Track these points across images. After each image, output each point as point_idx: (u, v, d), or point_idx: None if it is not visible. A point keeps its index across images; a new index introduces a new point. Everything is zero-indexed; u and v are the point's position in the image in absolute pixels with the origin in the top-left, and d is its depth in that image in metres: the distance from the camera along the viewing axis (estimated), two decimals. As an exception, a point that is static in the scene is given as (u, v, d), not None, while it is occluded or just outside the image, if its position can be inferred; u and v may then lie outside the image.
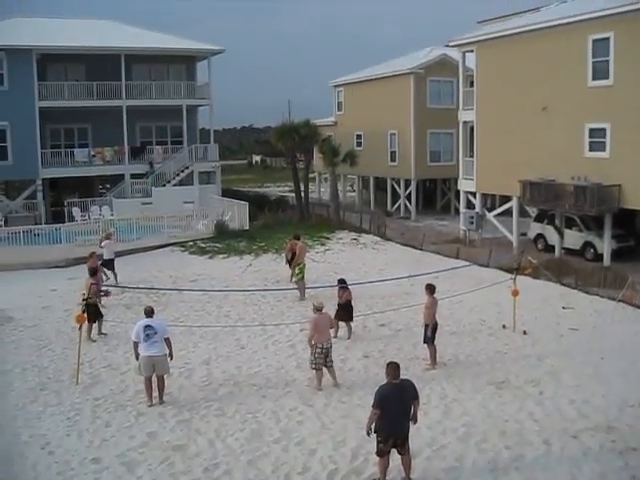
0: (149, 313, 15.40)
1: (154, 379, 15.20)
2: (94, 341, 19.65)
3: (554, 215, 32.58)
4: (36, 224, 38.93)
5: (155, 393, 15.21)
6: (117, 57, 44.36)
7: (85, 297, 18.14)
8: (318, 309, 16.26)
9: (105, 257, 26.55)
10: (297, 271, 24.84)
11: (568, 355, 18.15)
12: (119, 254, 28.96)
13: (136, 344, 15.19)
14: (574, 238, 32.01)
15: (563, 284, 26.18)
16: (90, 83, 44.63)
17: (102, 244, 27.12)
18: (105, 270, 25.58)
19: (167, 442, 13.23)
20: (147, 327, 15.01)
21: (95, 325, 20.08)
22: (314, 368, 15.96)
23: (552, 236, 32.90)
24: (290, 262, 25.71)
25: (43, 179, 43.88)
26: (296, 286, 24.83)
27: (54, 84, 43.83)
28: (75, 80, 45.32)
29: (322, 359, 15.89)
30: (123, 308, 23.26)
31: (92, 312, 19.51)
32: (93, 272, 21.11)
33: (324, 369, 16.02)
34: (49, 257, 31.32)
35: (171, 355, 15.33)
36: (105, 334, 20.24)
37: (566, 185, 30.23)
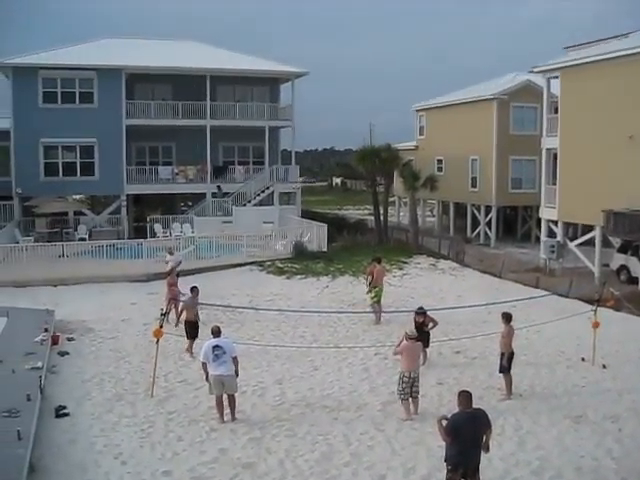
0: (217, 333, 15.53)
1: (225, 397, 15.31)
2: (193, 356, 19.72)
3: (639, 246, 31.72)
4: (119, 238, 39.91)
5: (227, 411, 15.31)
6: (202, 78, 45.31)
7: (163, 312, 18.44)
8: (411, 338, 15.96)
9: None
10: (373, 294, 24.76)
11: (650, 392, 17.58)
12: (198, 271, 29.44)
13: (205, 364, 15.33)
14: (659, 271, 31.08)
15: (646, 318, 25.43)
16: (176, 102, 45.69)
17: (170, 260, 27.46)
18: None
19: (237, 459, 13.28)
20: (216, 347, 15.11)
21: (194, 342, 20.22)
22: (402, 398, 15.67)
23: (636, 268, 31.98)
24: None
25: (127, 195, 45.00)
26: (372, 309, 24.76)
27: (141, 103, 45.02)
28: (161, 99, 46.43)
29: (409, 388, 15.63)
30: (200, 325, 23.52)
31: (190, 329, 20.21)
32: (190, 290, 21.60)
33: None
34: (130, 271, 32.00)
35: (237, 372, 15.35)
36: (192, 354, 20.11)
37: (652, 216, 29.41)
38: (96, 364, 19.37)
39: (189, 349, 20.36)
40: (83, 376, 18.25)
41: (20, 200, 42.79)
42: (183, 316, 21.22)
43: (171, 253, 28.33)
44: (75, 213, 45.07)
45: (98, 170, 43.70)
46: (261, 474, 12.68)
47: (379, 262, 25.73)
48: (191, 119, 45.63)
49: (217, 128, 46.09)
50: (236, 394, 15.48)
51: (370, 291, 25.00)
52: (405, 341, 15.97)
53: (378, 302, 24.67)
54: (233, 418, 15.24)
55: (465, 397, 11.18)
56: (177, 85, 46.81)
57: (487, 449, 11.38)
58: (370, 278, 25.19)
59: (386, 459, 13.39)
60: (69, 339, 21.77)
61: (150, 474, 12.59)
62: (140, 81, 45.85)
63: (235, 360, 15.25)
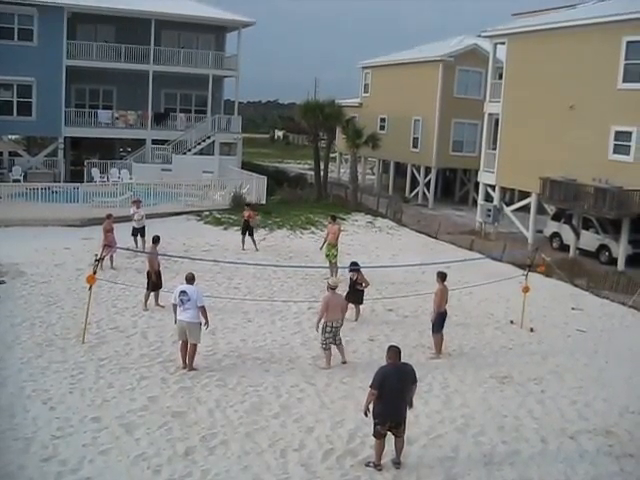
0: (188, 280, 15.47)
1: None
2: (146, 310, 19.46)
3: (572, 215, 32.40)
4: (55, 182, 39.10)
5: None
6: (147, 21, 44.35)
7: (97, 257, 18.25)
8: (332, 288, 16.23)
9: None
10: (327, 252, 24.57)
11: (573, 356, 18.11)
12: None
13: (175, 307, 15.32)
14: (590, 240, 31.82)
15: (575, 285, 26.08)
16: (119, 45, 44.71)
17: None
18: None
19: (167, 408, 13.32)
20: (182, 292, 15.11)
21: (152, 294, 19.85)
22: (324, 347, 16.00)
23: (568, 236, 32.74)
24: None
25: (65, 138, 44.07)
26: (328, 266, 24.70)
27: (83, 44, 43.88)
28: (104, 41, 45.34)
29: (332, 338, 15.94)
30: (134, 272, 23.39)
31: (150, 281, 19.69)
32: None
33: (334, 348, 16.09)
34: (65, 215, 31.48)
35: (207, 324, 15.36)
36: (162, 306, 19.52)
37: (587, 186, 30.02)
38: (27, 308, 19.09)
39: (145, 300, 19.83)
40: (13, 320, 18.00)
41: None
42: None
43: (138, 206, 27.69)
44: (10, 154, 43.93)
45: (35, 110, 42.51)
46: (190, 423, 12.75)
47: (334, 220, 25.50)
48: (134, 63, 44.72)
49: (160, 74, 45.31)
50: (198, 345, 15.39)
51: (327, 249, 24.70)
52: (327, 292, 16.19)
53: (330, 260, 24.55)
54: (190, 368, 15.19)
55: (394, 352, 11.40)
56: (121, 28, 45.68)
57: (411, 405, 11.65)
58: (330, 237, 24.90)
59: (315, 412, 13.59)
60: (0, 282, 21.40)
61: (79, 420, 12.54)
62: (82, 21, 44.51)
63: (202, 310, 15.20)
